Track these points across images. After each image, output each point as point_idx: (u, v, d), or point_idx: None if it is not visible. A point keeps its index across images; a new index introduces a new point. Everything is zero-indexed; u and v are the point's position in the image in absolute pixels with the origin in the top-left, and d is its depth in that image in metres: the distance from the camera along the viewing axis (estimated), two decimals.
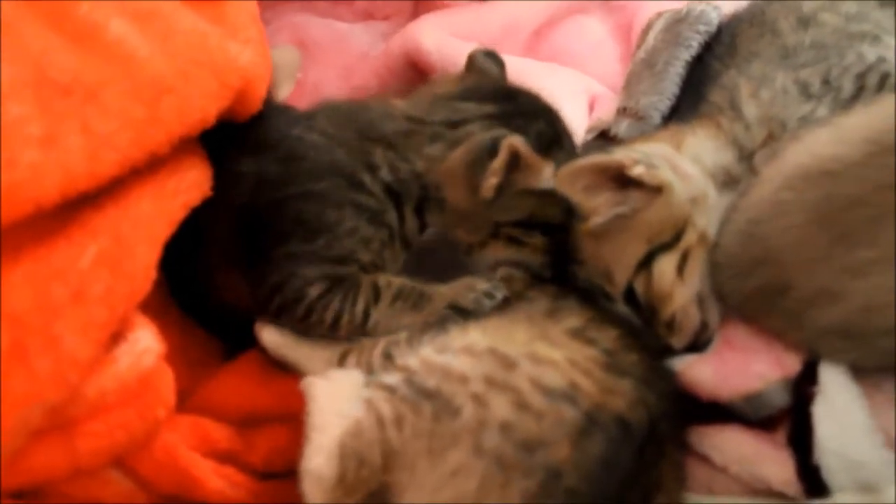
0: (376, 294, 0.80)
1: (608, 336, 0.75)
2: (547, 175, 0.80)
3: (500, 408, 0.66)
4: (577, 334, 0.75)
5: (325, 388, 0.77)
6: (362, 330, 0.80)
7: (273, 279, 0.80)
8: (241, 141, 0.85)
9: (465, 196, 0.83)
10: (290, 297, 0.80)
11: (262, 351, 0.83)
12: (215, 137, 0.81)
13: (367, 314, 0.80)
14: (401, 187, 0.84)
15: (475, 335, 0.74)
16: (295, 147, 0.84)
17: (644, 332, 0.80)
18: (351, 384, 0.78)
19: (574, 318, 0.77)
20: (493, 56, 0.94)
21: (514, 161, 0.79)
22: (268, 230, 0.82)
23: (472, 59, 0.93)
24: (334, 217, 0.81)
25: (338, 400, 0.76)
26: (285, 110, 0.91)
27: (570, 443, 0.65)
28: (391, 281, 0.81)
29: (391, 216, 0.84)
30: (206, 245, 0.84)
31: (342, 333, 0.80)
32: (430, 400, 0.69)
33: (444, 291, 0.80)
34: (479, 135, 0.82)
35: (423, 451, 0.67)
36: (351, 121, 0.86)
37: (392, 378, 0.72)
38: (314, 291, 0.80)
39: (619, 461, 0.67)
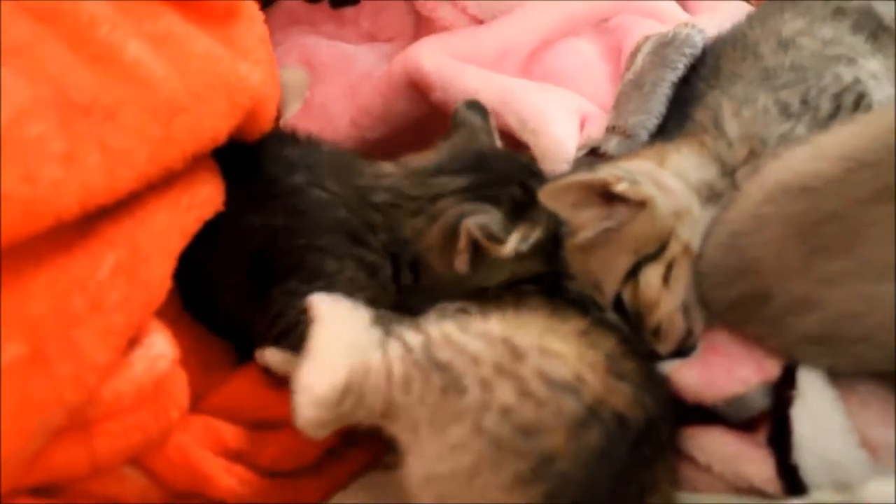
0: None
1: (608, 342, 0.75)
2: (512, 245, 0.80)
3: (504, 393, 0.67)
4: (582, 335, 0.75)
5: (331, 313, 0.79)
6: None
7: (274, 309, 0.82)
8: (249, 193, 0.85)
9: (448, 268, 0.84)
10: (286, 324, 0.81)
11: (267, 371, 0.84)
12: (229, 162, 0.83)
13: None
14: (396, 248, 0.85)
15: (493, 324, 0.74)
16: (300, 201, 0.85)
17: (636, 339, 0.80)
18: (356, 316, 0.80)
19: (577, 321, 0.78)
20: (476, 107, 0.95)
21: (475, 242, 0.80)
22: (272, 271, 0.84)
23: (456, 114, 0.94)
24: (335, 267, 0.83)
25: (342, 327, 0.78)
26: (286, 153, 0.91)
27: (566, 432, 0.66)
28: (377, 312, 0.83)
29: (387, 272, 0.85)
30: (217, 285, 0.86)
31: None
32: (441, 372, 0.69)
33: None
34: (450, 212, 0.83)
35: (426, 418, 0.68)
36: (351, 183, 0.87)
37: (413, 338, 0.72)
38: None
39: (614, 455, 0.67)
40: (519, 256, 0.82)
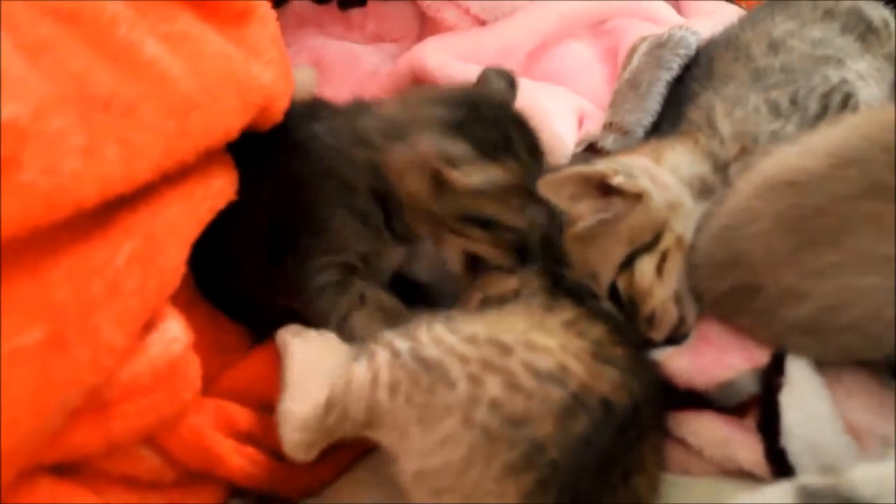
0: (362, 299, 0.83)
1: (597, 330, 0.75)
2: (475, 179, 0.81)
3: (493, 387, 0.67)
4: (570, 326, 0.75)
5: (301, 344, 0.80)
6: (343, 325, 0.83)
7: (290, 268, 0.84)
8: (271, 147, 0.87)
9: (413, 194, 0.85)
10: (297, 283, 0.83)
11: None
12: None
13: (348, 315, 0.83)
14: (382, 186, 0.85)
15: (479, 326, 0.74)
16: (308, 152, 0.87)
17: (628, 328, 0.80)
18: (326, 342, 0.81)
19: (567, 312, 0.77)
20: (504, 74, 0.94)
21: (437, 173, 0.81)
22: (285, 225, 0.85)
23: (482, 75, 0.94)
24: (328, 214, 0.84)
25: (314, 355, 0.79)
26: (315, 108, 0.93)
27: (554, 420, 0.66)
28: (380, 295, 0.84)
29: (377, 217, 0.86)
30: (236, 242, 0.86)
31: (331, 326, 0.83)
32: (429, 371, 0.69)
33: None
34: (424, 140, 0.83)
35: (414, 418, 0.68)
36: (353, 127, 0.88)
37: (402, 343, 0.72)
38: (319, 280, 0.83)
39: (600, 440, 0.67)
40: (474, 193, 0.82)
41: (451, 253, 0.88)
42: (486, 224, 0.85)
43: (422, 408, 0.68)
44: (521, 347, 0.70)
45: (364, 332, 0.82)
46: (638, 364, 0.75)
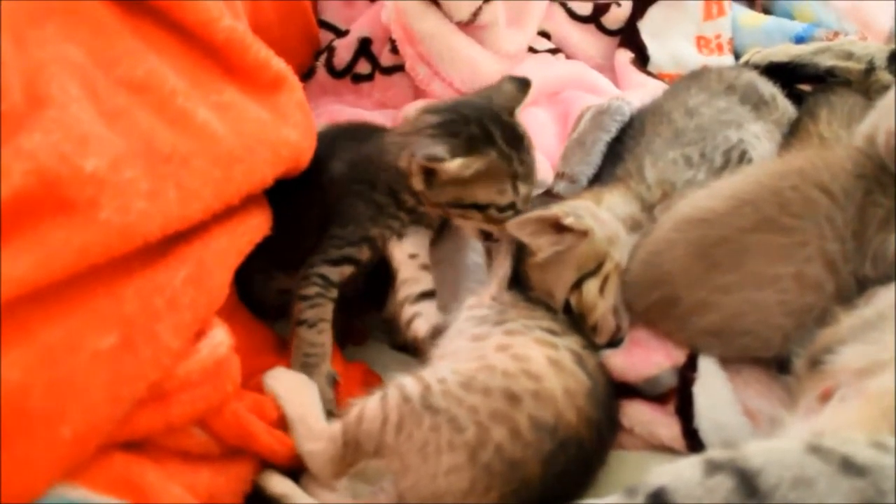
0: (314, 323, 0.84)
1: (592, 362, 0.74)
2: (454, 166, 0.79)
3: (499, 435, 0.65)
4: (578, 360, 0.72)
5: (285, 385, 0.78)
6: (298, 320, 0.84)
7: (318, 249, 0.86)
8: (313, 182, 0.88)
9: (414, 187, 0.84)
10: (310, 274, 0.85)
11: None
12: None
13: (304, 320, 0.84)
14: (397, 187, 0.86)
15: (500, 358, 0.71)
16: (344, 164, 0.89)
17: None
18: (300, 378, 0.80)
19: (572, 339, 0.75)
20: (517, 80, 0.89)
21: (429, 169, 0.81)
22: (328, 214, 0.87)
23: (499, 80, 0.90)
24: (362, 209, 0.86)
25: (298, 390, 0.78)
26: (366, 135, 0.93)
27: (541, 464, 0.65)
28: (326, 336, 0.84)
29: (392, 208, 0.87)
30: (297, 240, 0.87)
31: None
32: (435, 415, 0.67)
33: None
34: (413, 147, 0.83)
35: (413, 450, 0.67)
36: (380, 141, 0.89)
37: (412, 386, 0.70)
38: (310, 288, 0.84)
39: (571, 472, 0.67)
40: (463, 182, 0.81)
41: (465, 229, 0.89)
42: (481, 207, 0.84)
43: (422, 443, 0.66)
44: (530, 398, 0.67)
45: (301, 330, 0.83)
46: (607, 395, 0.73)
